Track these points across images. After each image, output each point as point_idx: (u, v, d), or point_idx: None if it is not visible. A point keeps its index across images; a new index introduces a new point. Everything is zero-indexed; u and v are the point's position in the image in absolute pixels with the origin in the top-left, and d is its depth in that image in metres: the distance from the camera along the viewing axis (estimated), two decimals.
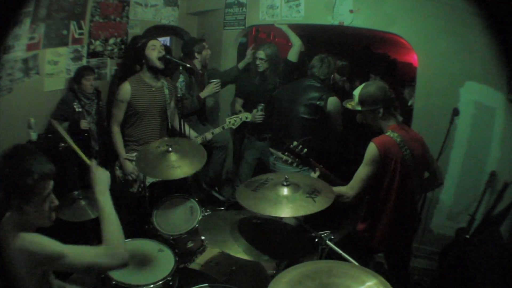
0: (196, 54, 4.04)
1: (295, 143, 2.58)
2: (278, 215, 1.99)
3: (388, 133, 2.43)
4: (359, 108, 2.48)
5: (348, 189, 2.43)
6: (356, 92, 2.50)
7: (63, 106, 3.50)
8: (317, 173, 2.58)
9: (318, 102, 3.31)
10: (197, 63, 4.06)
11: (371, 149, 2.38)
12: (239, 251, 2.05)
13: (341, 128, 3.50)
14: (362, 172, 2.42)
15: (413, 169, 2.45)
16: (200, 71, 4.12)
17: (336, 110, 3.34)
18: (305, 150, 2.58)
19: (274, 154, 3.30)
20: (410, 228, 2.62)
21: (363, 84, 2.51)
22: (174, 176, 2.54)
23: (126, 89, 3.24)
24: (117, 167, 3.34)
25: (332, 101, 3.32)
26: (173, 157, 2.62)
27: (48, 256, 1.51)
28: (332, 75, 3.59)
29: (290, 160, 2.59)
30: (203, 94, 3.94)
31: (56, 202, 1.65)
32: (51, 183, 1.61)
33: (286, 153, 2.58)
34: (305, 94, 3.38)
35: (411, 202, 2.53)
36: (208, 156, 2.82)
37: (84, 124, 3.42)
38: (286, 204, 2.00)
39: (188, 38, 4.49)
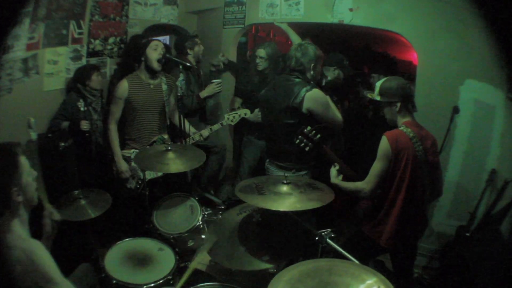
0: (188, 50, 4.06)
1: (309, 127, 2.59)
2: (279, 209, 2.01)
3: (401, 128, 2.46)
4: (378, 98, 2.54)
5: (364, 184, 2.47)
6: (378, 83, 2.57)
7: (65, 106, 3.50)
8: (337, 167, 2.61)
9: (293, 103, 2.82)
10: (191, 59, 4.07)
11: (383, 142, 2.41)
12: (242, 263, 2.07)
13: (338, 119, 3.00)
14: (376, 166, 2.44)
15: (425, 167, 2.45)
16: (195, 67, 4.11)
17: (318, 105, 2.84)
18: (319, 135, 2.58)
19: (268, 159, 3.22)
20: (418, 229, 2.62)
21: (386, 77, 2.60)
22: (164, 170, 2.79)
23: (124, 86, 3.26)
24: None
25: (310, 97, 2.80)
26: (170, 155, 2.74)
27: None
28: (318, 66, 2.99)
29: (302, 144, 2.60)
30: (202, 94, 3.92)
31: (35, 172, 1.72)
32: (22, 158, 1.67)
33: (300, 136, 2.59)
34: (282, 95, 2.90)
35: (421, 202, 2.52)
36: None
37: (84, 125, 3.41)
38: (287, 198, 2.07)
39: (180, 36, 4.49)
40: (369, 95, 2.66)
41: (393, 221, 2.46)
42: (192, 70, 3.94)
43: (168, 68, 3.73)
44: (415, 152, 2.40)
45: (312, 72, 2.94)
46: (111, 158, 3.37)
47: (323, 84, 3.16)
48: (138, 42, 3.77)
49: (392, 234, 2.48)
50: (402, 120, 2.52)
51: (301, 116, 2.85)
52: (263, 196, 2.11)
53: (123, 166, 3.28)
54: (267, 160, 3.23)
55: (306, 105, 2.82)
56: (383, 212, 2.51)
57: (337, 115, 2.99)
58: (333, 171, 2.61)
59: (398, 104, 2.48)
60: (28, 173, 1.69)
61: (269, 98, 3.07)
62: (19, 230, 1.60)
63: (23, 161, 1.68)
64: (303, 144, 2.60)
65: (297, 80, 2.90)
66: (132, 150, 3.34)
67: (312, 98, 2.81)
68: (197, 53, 4.11)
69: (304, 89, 2.82)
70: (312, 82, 2.94)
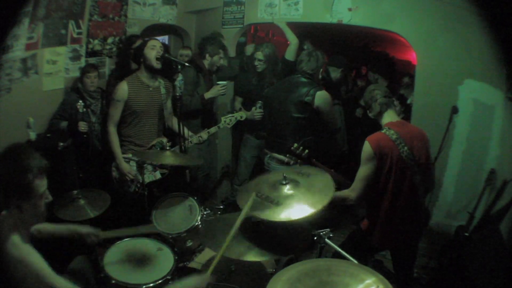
0: (207, 55, 3.97)
1: (295, 145, 2.59)
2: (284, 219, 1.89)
3: (383, 130, 2.45)
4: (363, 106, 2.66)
5: (351, 192, 2.45)
6: None
7: (64, 106, 3.49)
8: None
9: (306, 99, 3.16)
10: (206, 63, 4.00)
11: (365, 147, 2.40)
12: (239, 253, 2.06)
13: (337, 122, 3.37)
14: (360, 172, 2.43)
15: (413, 166, 2.42)
16: (208, 71, 4.07)
17: (325, 104, 3.20)
18: (306, 151, 2.59)
19: (268, 154, 3.30)
20: (414, 227, 2.60)
21: None
22: (160, 160, 2.94)
23: (123, 88, 3.22)
24: (114, 168, 3.32)
25: (320, 95, 3.17)
26: (167, 153, 2.87)
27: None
28: (322, 69, 3.41)
29: (292, 162, 2.60)
30: (207, 95, 3.84)
31: (50, 198, 1.71)
32: (46, 179, 1.66)
33: (288, 155, 2.59)
34: (294, 92, 3.25)
35: (413, 200, 2.50)
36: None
37: (82, 126, 3.40)
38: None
39: (209, 36, 4.25)
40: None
41: (383, 221, 2.47)
42: (202, 70, 3.93)
43: (170, 71, 3.65)
44: (399, 153, 2.38)
45: (320, 76, 3.41)
46: (110, 161, 3.35)
47: (327, 81, 3.41)
48: (134, 42, 3.77)
49: (384, 234, 2.48)
50: (384, 122, 2.52)
51: (311, 112, 3.19)
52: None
53: (126, 167, 3.26)
54: (267, 156, 3.30)
55: (316, 103, 3.16)
56: (374, 212, 2.52)
57: (336, 119, 3.35)
58: None
59: (361, 111, 2.57)
60: (41, 194, 1.67)
61: (277, 95, 3.38)
62: (14, 237, 1.59)
63: (44, 182, 1.68)
64: (292, 162, 2.60)
65: (307, 80, 3.26)
66: (130, 155, 3.31)
67: (322, 97, 3.18)
68: (213, 62, 4.01)
69: (314, 88, 3.19)
70: (318, 83, 3.32)
